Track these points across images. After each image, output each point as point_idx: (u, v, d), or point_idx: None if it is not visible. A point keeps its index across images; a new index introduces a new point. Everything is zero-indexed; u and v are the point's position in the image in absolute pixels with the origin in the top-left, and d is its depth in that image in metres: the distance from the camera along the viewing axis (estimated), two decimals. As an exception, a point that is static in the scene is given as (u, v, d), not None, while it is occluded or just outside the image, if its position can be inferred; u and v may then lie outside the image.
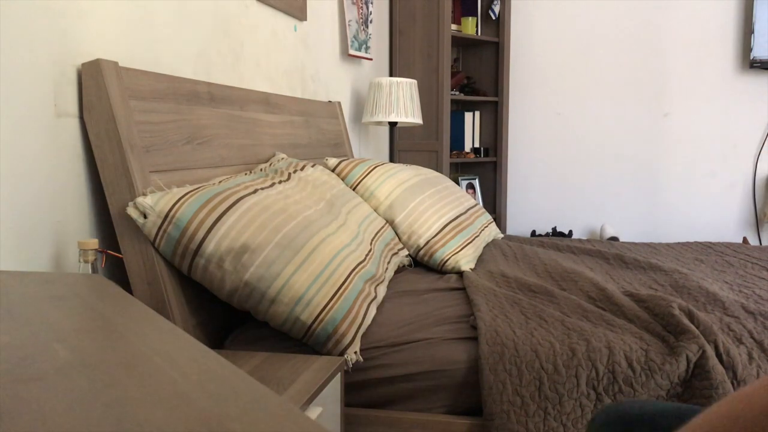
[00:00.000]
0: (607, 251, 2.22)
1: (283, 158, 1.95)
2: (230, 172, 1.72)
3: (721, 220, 3.97)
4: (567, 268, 1.93)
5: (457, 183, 3.94)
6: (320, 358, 1.30)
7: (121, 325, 0.59)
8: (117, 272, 1.42)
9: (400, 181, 2.19)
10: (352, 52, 3.01)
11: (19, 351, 0.50)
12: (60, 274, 0.81)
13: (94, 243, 1.20)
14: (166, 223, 1.31)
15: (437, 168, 3.49)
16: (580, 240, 2.57)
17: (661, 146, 4.00)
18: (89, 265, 1.19)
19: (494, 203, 4.10)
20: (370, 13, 3.23)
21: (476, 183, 4.11)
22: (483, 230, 2.32)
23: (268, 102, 2.07)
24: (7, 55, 1.18)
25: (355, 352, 1.39)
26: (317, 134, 2.42)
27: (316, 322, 1.35)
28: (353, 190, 2.15)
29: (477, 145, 4.11)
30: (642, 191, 4.06)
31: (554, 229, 4.10)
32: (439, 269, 2.06)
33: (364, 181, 2.16)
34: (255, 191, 1.48)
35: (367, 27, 3.19)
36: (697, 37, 3.90)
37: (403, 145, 3.57)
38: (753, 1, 3.72)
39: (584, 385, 1.32)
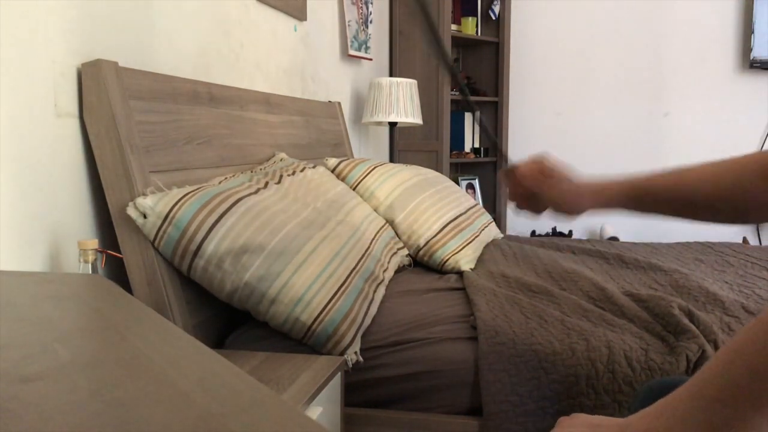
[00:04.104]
0: (607, 251, 2.22)
1: (283, 158, 1.95)
2: (230, 172, 1.72)
3: (721, 220, 3.96)
4: (567, 268, 1.93)
5: (457, 183, 3.94)
6: (320, 358, 1.30)
7: (121, 325, 0.59)
8: (117, 272, 1.42)
9: (400, 181, 2.19)
10: (352, 52, 3.01)
11: (19, 351, 0.50)
12: (60, 274, 0.81)
13: (94, 243, 1.20)
14: (165, 223, 1.31)
15: (437, 168, 3.49)
16: (580, 240, 2.57)
17: (661, 146, 4.00)
18: (89, 265, 1.19)
19: (494, 203, 4.10)
20: (370, 13, 3.24)
21: (476, 183, 4.11)
22: (483, 230, 2.32)
23: (268, 102, 2.07)
24: (7, 55, 1.18)
25: (355, 353, 1.39)
26: (317, 134, 2.42)
27: (316, 323, 1.35)
28: (353, 190, 2.15)
29: (477, 145, 4.11)
30: (642, 191, 4.05)
31: (554, 229, 4.10)
32: (439, 269, 2.06)
33: (364, 181, 2.16)
34: (255, 192, 1.48)
35: (367, 27, 3.19)
36: (697, 37, 3.90)
37: (403, 145, 3.57)
38: (753, 1, 3.72)
39: (584, 385, 1.32)
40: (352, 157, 2.64)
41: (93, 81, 1.33)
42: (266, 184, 1.57)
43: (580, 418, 0.76)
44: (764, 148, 3.86)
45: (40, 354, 0.50)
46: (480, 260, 2.12)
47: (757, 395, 0.53)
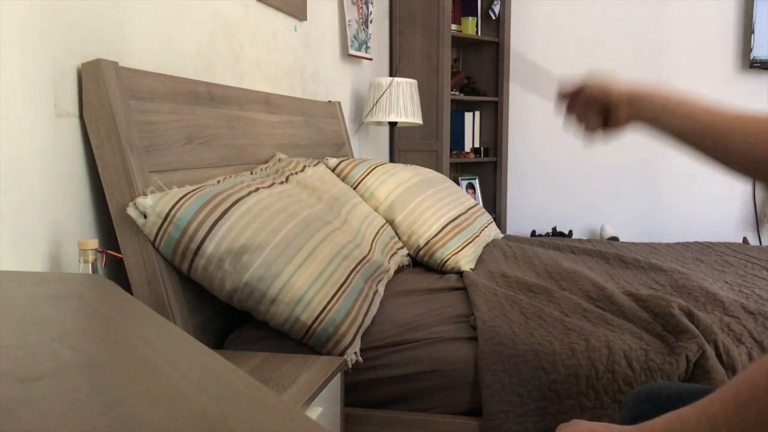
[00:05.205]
0: (607, 251, 2.22)
1: (283, 158, 1.95)
2: (230, 172, 1.72)
3: (721, 220, 3.97)
4: (567, 268, 1.93)
5: (457, 183, 3.94)
6: (320, 358, 1.30)
7: (121, 325, 0.59)
8: (117, 272, 1.42)
9: (400, 181, 2.19)
10: (352, 52, 3.01)
11: (19, 351, 0.50)
12: (60, 274, 0.81)
13: (94, 243, 1.20)
14: (166, 223, 1.31)
15: (437, 168, 3.49)
16: (580, 240, 2.57)
17: (661, 146, 4.00)
18: (89, 265, 1.19)
19: (494, 203, 4.10)
20: (370, 13, 3.24)
21: (476, 183, 4.11)
22: (483, 230, 2.32)
23: (268, 102, 2.07)
24: (7, 55, 1.18)
25: (355, 353, 1.39)
26: (317, 134, 2.42)
27: (317, 323, 1.35)
28: (354, 189, 2.15)
29: (477, 145, 4.11)
30: (642, 191, 4.06)
31: (554, 229, 4.10)
32: (439, 269, 2.06)
33: (364, 181, 2.16)
34: (255, 191, 1.48)
35: (367, 27, 3.19)
36: (697, 37, 3.90)
37: (403, 145, 3.57)
38: (753, 1, 3.72)
39: (584, 385, 1.32)
40: (352, 157, 2.64)
41: (93, 81, 1.33)
42: (271, 184, 1.57)
43: (580, 426, 0.76)
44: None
45: (40, 354, 0.50)
46: (480, 260, 2.12)
47: None
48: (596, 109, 0.96)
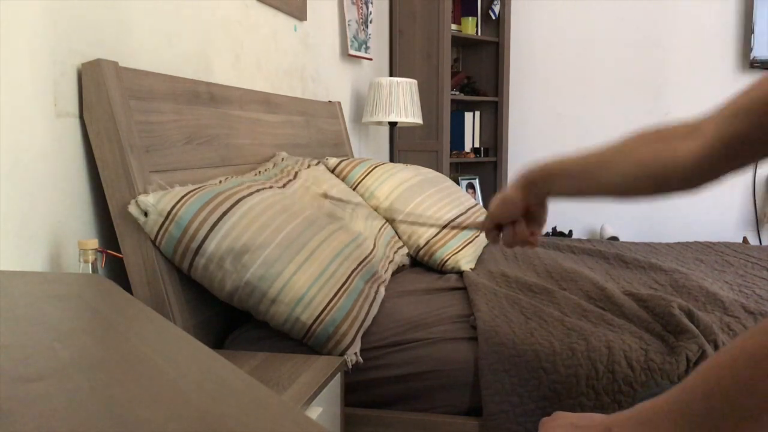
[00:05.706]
0: (607, 251, 2.22)
1: (285, 158, 1.95)
2: (230, 172, 1.72)
3: (721, 220, 3.97)
4: (567, 267, 1.93)
5: (457, 183, 3.94)
6: (320, 358, 1.30)
7: (121, 325, 0.59)
8: (117, 272, 1.42)
9: (401, 180, 2.19)
10: (352, 52, 3.01)
11: (19, 351, 0.50)
12: (60, 274, 0.81)
13: (94, 243, 1.20)
14: (167, 221, 1.31)
15: (437, 168, 3.49)
16: (580, 240, 2.57)
17: (661, 146, 3.99)
18: (89, 265, 1.19)
19: (494, 203, 4.09)
20: (370, 13, 3.24)
21: (476, 183, 4.11)
22: (483, 230, 2.31)
23: (268, 102, 2.07)
24: (8, 55, 1.18)
25: (355, 353, 1.39)
26: (317, 134, 2.42)
27: (317, 323, 1.35)
28: (353, 190, 2.15)
29: (477, 145, 4.11)
30: (642, 191, 4.05)
31: (554, 229, 4.10)
32: (439, 269, 2.06)
33: (364, 181, 2.16)
34: (257, 191, 1.48)
35: (367, 27, 3.19)
36: (697, 37, 3.90)
37: (403, 145, 3.57)
38: (753, 1, 3.72)
39: (584, 385, 1.32)
40: (352, 157, 2.64)
41: (93, 81, 1.33)
42: (273, 184, 1.57)
43: (562, 418, 0.76)
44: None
45: (40, 354, 0.50)
46: (480, 260, 2.12)
47: (738, 428, 0.54)
48: (520, 222, 1.01)
